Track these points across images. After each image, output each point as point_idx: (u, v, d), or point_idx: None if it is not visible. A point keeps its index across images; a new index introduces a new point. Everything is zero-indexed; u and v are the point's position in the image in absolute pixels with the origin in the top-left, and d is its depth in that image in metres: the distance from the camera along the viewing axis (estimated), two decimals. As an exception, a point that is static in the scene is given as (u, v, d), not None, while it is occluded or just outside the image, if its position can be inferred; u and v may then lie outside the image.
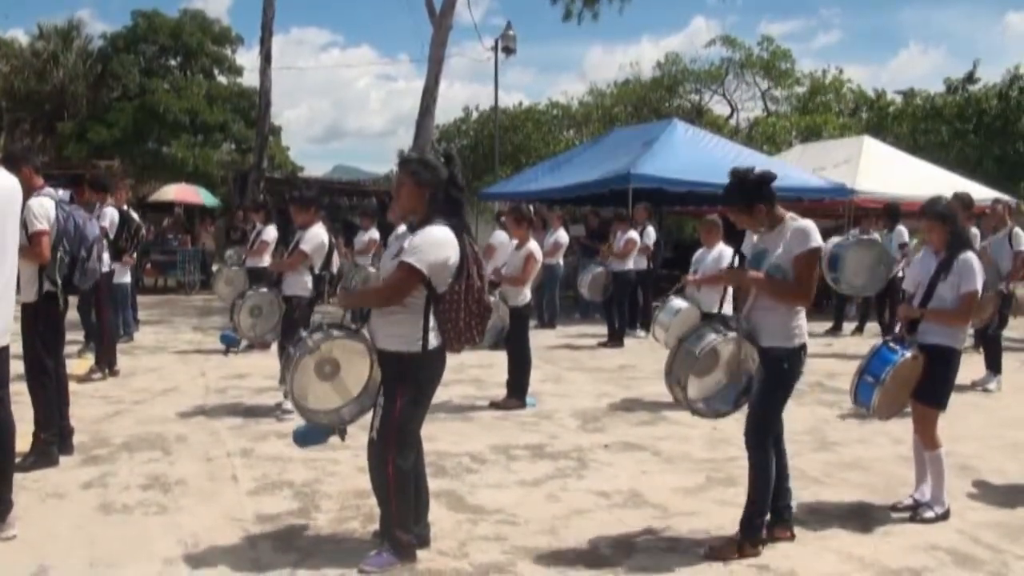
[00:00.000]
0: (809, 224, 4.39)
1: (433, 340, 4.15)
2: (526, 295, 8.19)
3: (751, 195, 4.40)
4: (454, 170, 4.27)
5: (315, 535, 4.68)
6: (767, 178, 4.40)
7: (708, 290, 7.91)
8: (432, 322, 4.14)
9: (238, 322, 8.60)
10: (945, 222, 5.12)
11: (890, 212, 12.70)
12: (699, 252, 8.34)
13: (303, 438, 4.68)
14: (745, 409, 4.56)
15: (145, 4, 36.63)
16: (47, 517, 4.86)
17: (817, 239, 4.35)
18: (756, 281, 4.40)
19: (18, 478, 5.08)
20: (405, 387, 4.15)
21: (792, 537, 4.62)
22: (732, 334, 4.42)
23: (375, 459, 4.24)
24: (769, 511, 4.57)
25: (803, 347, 4.43)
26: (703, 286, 7.99)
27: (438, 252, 4.06)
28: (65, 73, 34.77)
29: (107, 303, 9.18)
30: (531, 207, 10.78)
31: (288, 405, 4.69)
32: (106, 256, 8.38)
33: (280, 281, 7.72)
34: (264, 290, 8.37)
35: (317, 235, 7.42)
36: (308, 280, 7.43)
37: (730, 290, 7.74)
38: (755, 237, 4.58)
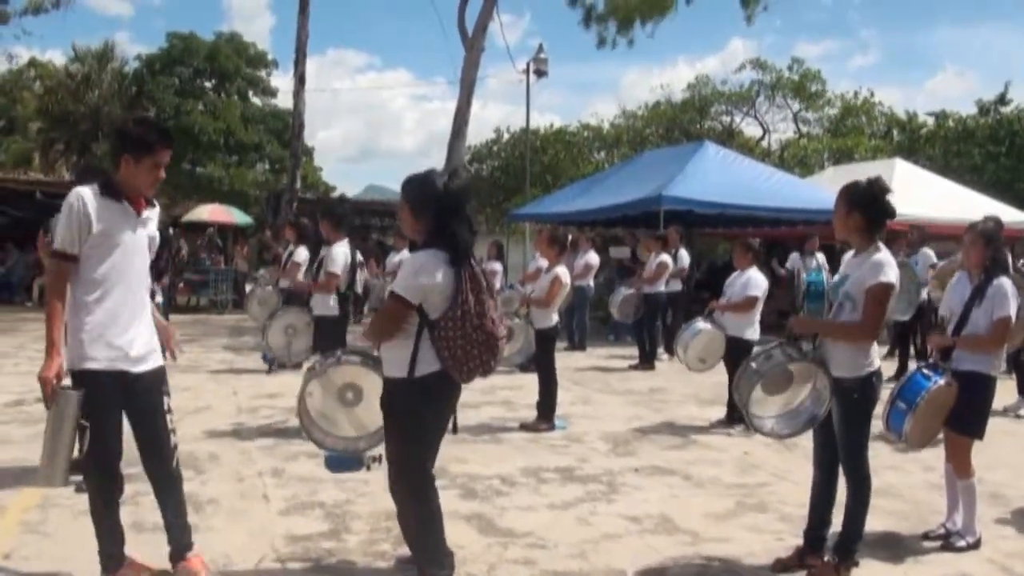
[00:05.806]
0: (886, 257, 4.34)
1: (424, 367, 3.90)
2: (553, 318, 8.23)
3: (852, 200, 4.39)
4: (453, 190, 4.00)
5: (345, 556, 4.69)
6: (874, 188, 4.37)
7: (732, 315, 8.09)
8: (425, 348, 3.90)
9: (269, 341, 8.71)
10: (988, 243, 5.07)
11: (918, 234, 12.23)
12: (732, 276, 8.46)
13: (336, 463, 4.69)
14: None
15: (181, 26, 37.14)
16: (80, 534, 4.87)
17: (889, 274, 4.28)
18: (817, 327, 4.41)
19: (51, 495, 5.16)
20: (395, 415, 4.01)
21: (824, 566, 4.57)
22: (801, 360, 4.42)
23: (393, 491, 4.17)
24: (823, 536, 4.59)
25: (873, 374, 4.39)
26: (726, 311, 8.25)
27: (415, 278, 3.89)
28: (100, 95, 35.27)
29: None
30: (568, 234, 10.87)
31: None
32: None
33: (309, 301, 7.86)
34: (296, 309, 8.54)
35: (343, 254, 7.53)
36: (332, 300, 7.53)
37: (757, 316, 7.99)
38: (847, 257, 4.59)
